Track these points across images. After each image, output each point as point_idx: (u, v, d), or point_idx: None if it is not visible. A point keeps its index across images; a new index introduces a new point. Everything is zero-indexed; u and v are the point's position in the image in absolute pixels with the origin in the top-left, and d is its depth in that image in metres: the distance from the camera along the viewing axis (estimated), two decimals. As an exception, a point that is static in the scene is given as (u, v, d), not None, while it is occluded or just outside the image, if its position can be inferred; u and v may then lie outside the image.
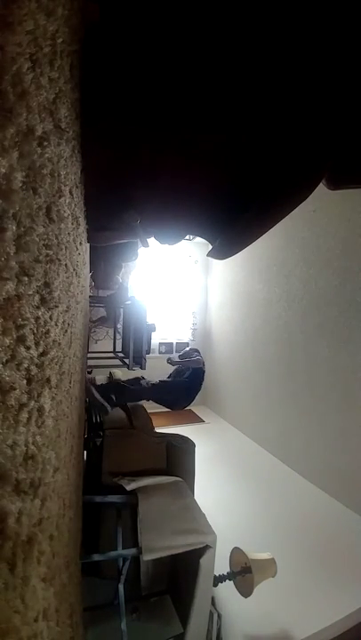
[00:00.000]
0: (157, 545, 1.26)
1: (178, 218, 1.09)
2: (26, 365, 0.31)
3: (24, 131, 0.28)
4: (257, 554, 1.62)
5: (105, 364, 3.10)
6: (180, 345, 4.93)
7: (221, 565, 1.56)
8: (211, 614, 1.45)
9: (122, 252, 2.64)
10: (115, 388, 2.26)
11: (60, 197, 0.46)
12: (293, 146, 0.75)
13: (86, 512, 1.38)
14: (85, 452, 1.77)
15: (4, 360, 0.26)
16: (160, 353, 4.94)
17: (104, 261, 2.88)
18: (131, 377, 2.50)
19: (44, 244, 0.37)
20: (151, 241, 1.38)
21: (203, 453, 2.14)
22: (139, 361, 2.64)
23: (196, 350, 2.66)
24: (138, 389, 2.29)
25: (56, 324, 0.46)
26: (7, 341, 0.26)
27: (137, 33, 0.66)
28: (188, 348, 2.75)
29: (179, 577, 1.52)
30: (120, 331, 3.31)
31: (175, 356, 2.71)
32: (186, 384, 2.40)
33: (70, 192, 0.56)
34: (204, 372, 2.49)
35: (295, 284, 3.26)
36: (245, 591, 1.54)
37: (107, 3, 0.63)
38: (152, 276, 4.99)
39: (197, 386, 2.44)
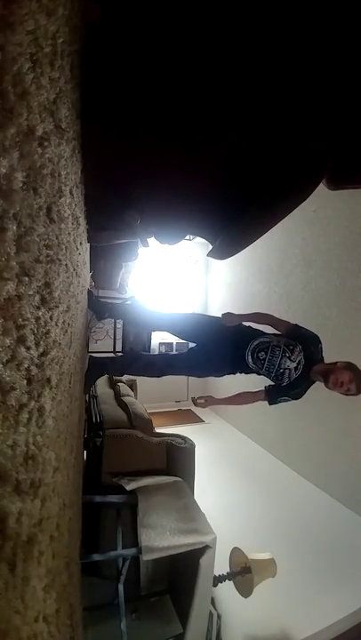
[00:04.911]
0: (157, 545, 1.26)
1: (178, 217, 1.09)
2: (26, 365, 0.31)
3: (25, 131, 0.28)
4: (257, 554, 1.62)
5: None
6: (180, 345, 4.91)
7: (221, 565, 1.56)
8: (211, 614, 1.45)
9: (122, 251, 2.63)
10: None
11: (60, 197, 0.46)
12: (295, 146, 0.75)
13: (86, 512, 1.37)
14: (85, 452, 1.77)
15: (5, 360, 0.26)
16: (160, 353, 4.94)
17: (104, 261, 2.88)
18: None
19: (44, 245, 0.37)
20: (151, 241, 1.38)
21: (203, 453, 2.14)
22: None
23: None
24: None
25: (56, 325, 0.46)
26: (7, 341, 0.26)
27: (138, 32, 0.66)
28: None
29: (179, 577, 1.52)
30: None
31: None
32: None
33: (71, 192, 0.56)
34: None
35: (295, 284, 3.25)
36: (245, 591, 1.54)
37: (107, 2, 0.63)
38: (152, 275, 4.99)
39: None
